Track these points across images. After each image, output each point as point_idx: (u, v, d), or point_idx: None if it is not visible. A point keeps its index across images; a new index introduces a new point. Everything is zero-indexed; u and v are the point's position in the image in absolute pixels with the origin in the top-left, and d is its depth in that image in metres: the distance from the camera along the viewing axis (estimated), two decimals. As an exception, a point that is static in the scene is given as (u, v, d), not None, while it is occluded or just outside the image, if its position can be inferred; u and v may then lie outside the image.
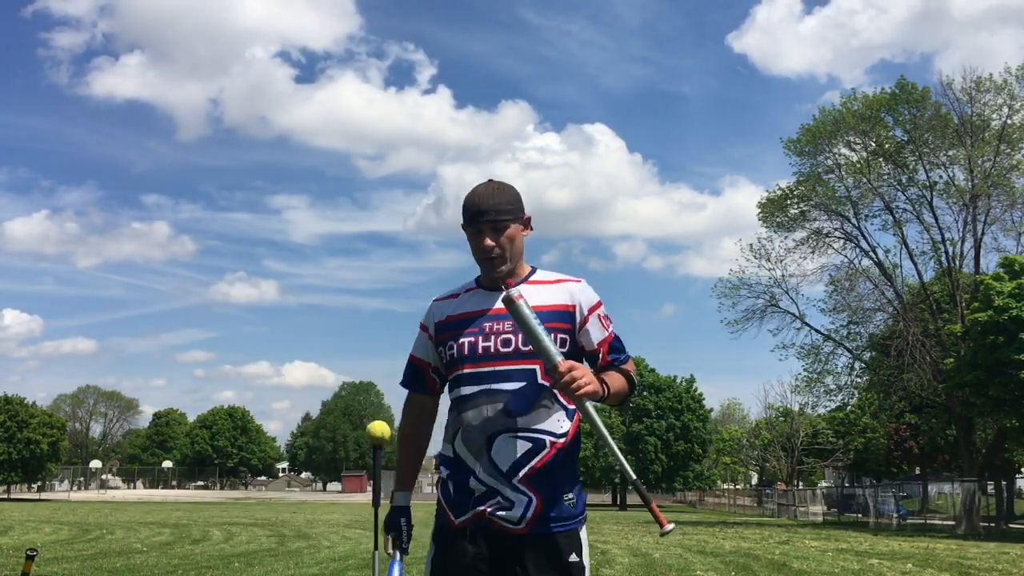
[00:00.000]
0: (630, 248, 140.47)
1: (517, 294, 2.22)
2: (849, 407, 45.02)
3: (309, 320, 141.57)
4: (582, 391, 2.15)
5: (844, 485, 56.22)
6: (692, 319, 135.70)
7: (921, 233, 32.81)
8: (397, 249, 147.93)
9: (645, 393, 56.78)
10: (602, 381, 2.28)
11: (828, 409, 45.70)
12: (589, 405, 2.21)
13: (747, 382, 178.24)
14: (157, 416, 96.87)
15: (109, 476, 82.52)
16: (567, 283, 2.47)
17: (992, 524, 30.22)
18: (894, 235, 33.36)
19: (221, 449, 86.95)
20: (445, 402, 2.57)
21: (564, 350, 2.34)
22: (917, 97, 31.92)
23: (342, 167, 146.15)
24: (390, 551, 2.51)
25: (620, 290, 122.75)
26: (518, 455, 2.30)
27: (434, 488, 2.54)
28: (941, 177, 32.41)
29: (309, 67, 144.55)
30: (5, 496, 53.93)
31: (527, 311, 2.21)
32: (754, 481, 77.73)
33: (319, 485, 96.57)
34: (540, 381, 2.33)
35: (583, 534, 2.39)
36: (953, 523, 29.79)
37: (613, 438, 2.29)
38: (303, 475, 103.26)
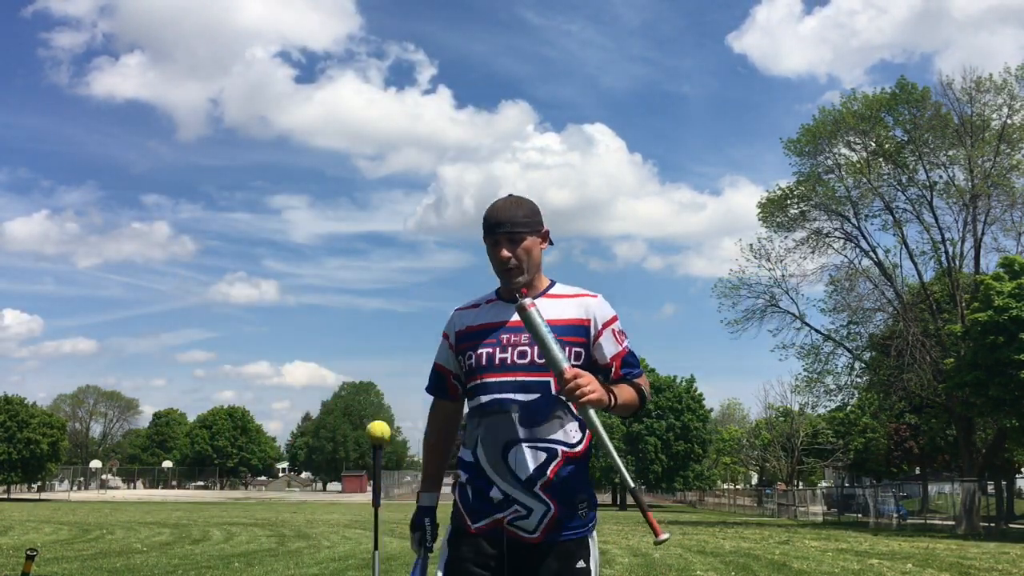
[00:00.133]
0: (630, 248, 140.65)
1: (530, 302, 2.30)
2: (849, 407, 45.00)
3: (309, 320, 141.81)
4: (586, 398, 2.21)
5: (844, 485, 56.24)
6: (692, 319, 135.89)
7: (921, 233, 32.86)
8: (397, 249, 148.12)
9: (645, 393, 56.63)
10: (610, 391, 2.33)
11: (828, 409, 45.74)
12: (593, 413, 2.27)
13: (747, 382, 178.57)
14: (157, 416, 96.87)
15: (109, 476, 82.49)
16: (583, 297, 2.53)
17: (992, 524, 30.24)
18: (894, 235, 33.42)
19: (221, 449, 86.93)
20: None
21: (579, 363, 2.41)
22: (917, 97, 31.92)
23: (342, 167, 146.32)
24: (415, 549, 2.59)
25: (620, 290, 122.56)
26: (535, 465, 2.38)
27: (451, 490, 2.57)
28: (941, 177, 32.45)
29: (309, 67, 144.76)
30: (5, 496, 53.93)
31: (539, 319, 2.28)
32: (754, 481, 77.73)
33: (319, 485, 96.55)
34: (554, 393, 2.39)
35: (592, 540, 2.46)
36: (953, 523, 29.79)
37: (613, 438, 2.39)
38: (303, 475, 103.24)
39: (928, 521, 35.77)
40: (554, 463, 2.39)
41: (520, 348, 2.44)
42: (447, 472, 2.74)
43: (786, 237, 34.82)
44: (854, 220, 33.73)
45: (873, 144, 33.39)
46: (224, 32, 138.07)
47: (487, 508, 2.41)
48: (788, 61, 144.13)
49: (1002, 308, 24.88)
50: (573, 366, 2.30)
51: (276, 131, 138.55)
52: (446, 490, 2.55)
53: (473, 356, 2.49)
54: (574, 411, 2.40)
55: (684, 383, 60.18)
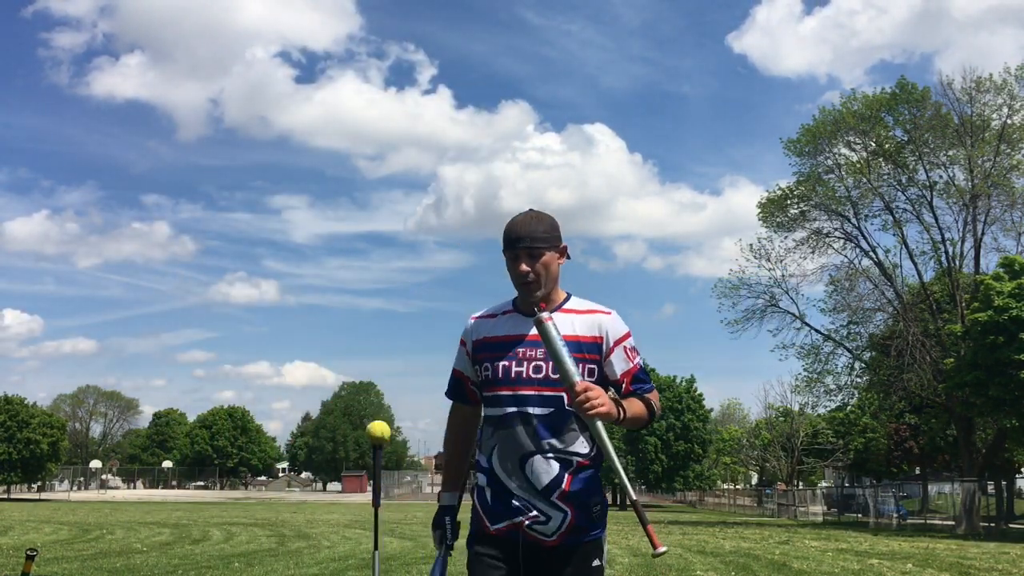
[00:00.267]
0: (630, 248, 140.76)
1: (547, 316, 2.38)
2: (849, 407, 44.99)
3: (309, 320, 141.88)
4: (595, 411, 2.29)
5: (844, 485, 56.25)
6: (692, 319, 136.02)
7: (921, 233, 32.86)
8: (397, 249, 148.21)
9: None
10: (619, 405, 2.41)
11: (828, 409, 45.73)
12: (600, 426, 2.36)
13: (747, 382, 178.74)
14: (157, 416, 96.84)
15: (109, 476, 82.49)
16: (597, 314, 2.59)
17: (992, 524, 30.25)
18: (894, 235, 33.42)
19: (221, 449, 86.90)
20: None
21: (591, 379, 2.49)
22: (917, 97, 31.92)
23: (342, 167, 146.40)
24: (437, 547, 2.68)
25: (620, 290, 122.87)
26: (551, 475, 2.47)
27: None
28: (941, 177, 32.45)
29: (309, 67, 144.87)
30: (5, 496, 53.93)
31: (554, 333, 2.36)
32: (754, 481, 77.74)
33: (319, 485, 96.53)
34: (568, 407, 2.45)
35: (604, 539, 2.58)
36: (953, 523, 29.80)
37: (613, 438, 2.43)
38: (303, 475, 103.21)
39: (928, 521, 35.77)
40: (568, 473, 2.48)
41: (536, 363, 2.50)
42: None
43: (786, 237, 34.88)
44: (854, 220, 33.77)
45: (873, 144, 33.38)
46: (224, 32, 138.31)
47: (506, 512, 2.49)
48: (788, 61, 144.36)
49: (1002, 308, 24.88)
50: (582, 378, 2.38)
51: (276, 131, 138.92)
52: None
53: (490, 368, 2.56)
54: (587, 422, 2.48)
55: (684, 383, 60.19)
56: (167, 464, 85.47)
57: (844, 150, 33.91)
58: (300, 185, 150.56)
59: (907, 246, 32.83)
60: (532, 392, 2.49)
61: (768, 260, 34.54)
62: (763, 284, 34.92)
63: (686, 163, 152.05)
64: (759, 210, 35.15)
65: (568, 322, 2.52)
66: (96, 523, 22.45)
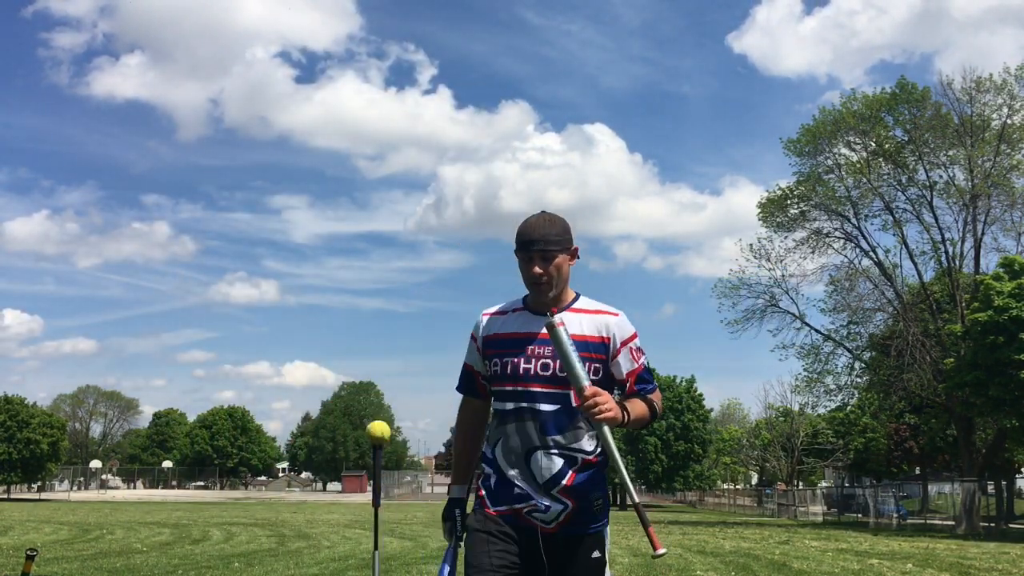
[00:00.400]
0: (630, 248, 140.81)
1: (559, 320, 2.45)
2: (849, 407, 44.99)
3: (309, 320, 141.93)
4: (602, 416, 2.38)
5: (844, 485, 56.25)
6: (692, 319, 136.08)
7: (921, 233, 32.87)
8: (397, 249, 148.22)
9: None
10: (624, 408, 2.49)
11: (828, 409, 45.73)
12: (607, 429, 2.43)
13: (747, 382, 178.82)
14: (157, 416, 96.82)
15: (109, 476, 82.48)
16: (604, 315, 2.66)
17: (992, 524, 30.25)
18: (894, 235, 33.42)
19: (221, 449, 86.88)
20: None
21: (596, 378, 2.56)
22: (917, 97, 31.91)
23: (342, 167, 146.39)
24: (447, 538, 2.74)
25: (620, 290, 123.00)
26: (554, 470, 2.55)
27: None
28: (941, 177, 32.45)
29: (309, 67, 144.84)
30: (5, 496, 53.92)
31: (565, 337, 2.44)
32: (754, 481, 77.72)
33: (319, 485, 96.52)
34: (573, 405, 2.53)
35: (606, 534, 2.65)
36: (953, 523, 29.80)
37: (613, 438, 2.47)
38: (303, 475, 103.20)
39: (928, 521, 35.78)
40: (572, 469, 2.56)
41: (543, 360, 2.57)
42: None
43: (786, 237, 34.88)
44: (854, 220, 33.77)
45: (873, 144, 33.38)
46: (224, 32, 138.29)
47: (507, 498, 2.58)
48: (788, 61, 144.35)
49: (1002, 308, 24.88)
50: (591, 380, 2.46)
51: (276, 131, 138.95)
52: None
53: (499, 364, 2.63)
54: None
55: (684, 383, 60.18)
56: (167, 464, 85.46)
57: (844, 150, 33.94)
58: (300, 185, 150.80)
59: (907, 246, 32.88)
60: (539, 389, 2.56)
61: (768, 260, 34.60)
62: (763, 284, 34.99)
63: (686, 163, 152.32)
64: (759, 210, 35.19)
65: (576, 321, 2.59)
66: (96, 523, 22.45)
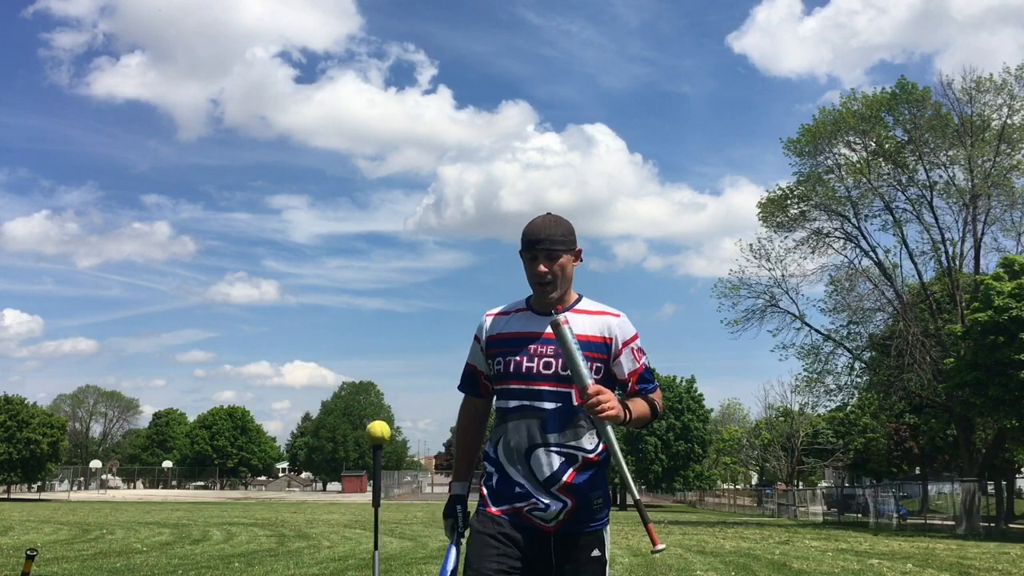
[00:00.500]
0: (630, 248, 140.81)
1: (563, 319, 2.49)
2: (849, 407, 44.99)
3: (309, 320, 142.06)
4: (605, 414, 2.42)
5: (844, 485, 56.20)
6: (692, 319, 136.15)
7: (921, 233, 32.89)
8: (397, 249, 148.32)
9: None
10: (626, 407, 2.54)
11: (828, 409, 45.69)
12: (609, 428, 2.47)
13: (747, 382, 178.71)
14: (157, 416, 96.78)
15: (109, 476, 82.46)
16: (606, 316, 2.70)
17: (992, 524, 30.23)
18: (894, 235, 33.45)
19: (221, 449, 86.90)
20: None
21: (598, 377, 2.60)
22: (917, 97, 31.92)
23: (342, 167, 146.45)
24: (449, 535, 2.78)
25: (620, 290, 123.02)
26: (554, 468, 2.58)
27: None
28: (941, 177, 32.47)
29: (309, 67, 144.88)
30: (5, 496, 53.93)
31: (570, 336, 2.48)
32: (754, 481, 77.72)
33: (319, 485, 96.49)
34: (575, 403, 2.57)
35: (606, 533, 2.67)
36: (953, 523, 29.81)
37: (616, 436, 2.50)
38: (303, 475, 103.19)
39: (928, 521, 35.78)
40: (572, 467, 2.58)
41: (546, 359, 2.61)
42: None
43: (786, 237, 34.90)
44: (854, 220, 33.77)
45: (873, 144, 33.38)
46: (224, 32, 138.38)
47: (508, 497, 2.61)
48: (788, 61, 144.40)
49: (1002, 308, 24.88)
50: (594, 380, 2.50)
51: (276, 131, 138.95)
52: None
53: (502, 362, 2.67)
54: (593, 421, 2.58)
55: (684, 383, 60.17)
56: (167, 464, 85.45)
57: (844, 150, 33.95)
58: (300, 185, 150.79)
59: (907, 246, 32.91)
60: (542, 387, 2.60)
61: (768, 260, 34.62)
62: (763, 284, 35.01)
63: (686, 163, 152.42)
64: (759, 210, 35.21)
65: (579, 322, 2.63)
66: (96, 523, 22.45)
